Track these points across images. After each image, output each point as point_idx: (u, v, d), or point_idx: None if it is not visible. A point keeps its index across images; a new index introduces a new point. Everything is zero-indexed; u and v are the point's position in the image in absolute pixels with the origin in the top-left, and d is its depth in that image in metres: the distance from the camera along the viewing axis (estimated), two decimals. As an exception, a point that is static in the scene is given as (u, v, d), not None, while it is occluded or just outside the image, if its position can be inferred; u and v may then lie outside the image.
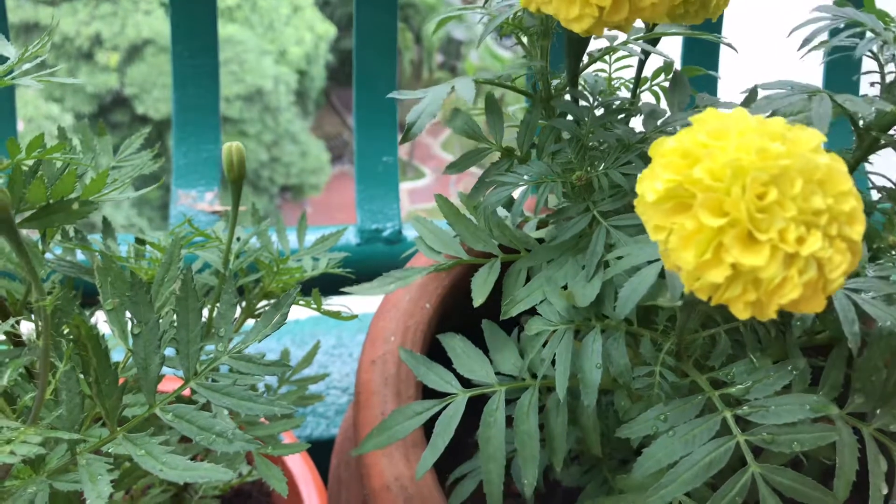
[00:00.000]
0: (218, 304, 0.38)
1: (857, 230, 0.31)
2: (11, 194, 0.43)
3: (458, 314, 0.59)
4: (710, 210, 0.30)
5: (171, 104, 0.87)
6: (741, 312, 0.31)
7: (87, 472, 0.33)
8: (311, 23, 10.86)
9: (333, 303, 0.64)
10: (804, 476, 0.38)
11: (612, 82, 0.65)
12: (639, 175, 0.36)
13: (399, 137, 0.79)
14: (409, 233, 0.91)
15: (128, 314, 0.41)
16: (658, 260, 0.40)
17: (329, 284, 0.65)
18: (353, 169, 0.95)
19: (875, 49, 0.50)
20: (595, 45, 0.56)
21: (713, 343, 0.44)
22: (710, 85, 1.03)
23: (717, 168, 0.30)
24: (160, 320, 0.36)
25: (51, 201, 0.44)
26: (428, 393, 0.53)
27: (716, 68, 1.02)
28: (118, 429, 0.35)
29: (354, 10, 0.88)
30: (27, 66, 0.46)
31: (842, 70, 0.87)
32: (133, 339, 0.36)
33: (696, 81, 0.96)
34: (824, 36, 0.52)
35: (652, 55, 0.58)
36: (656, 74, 0.63)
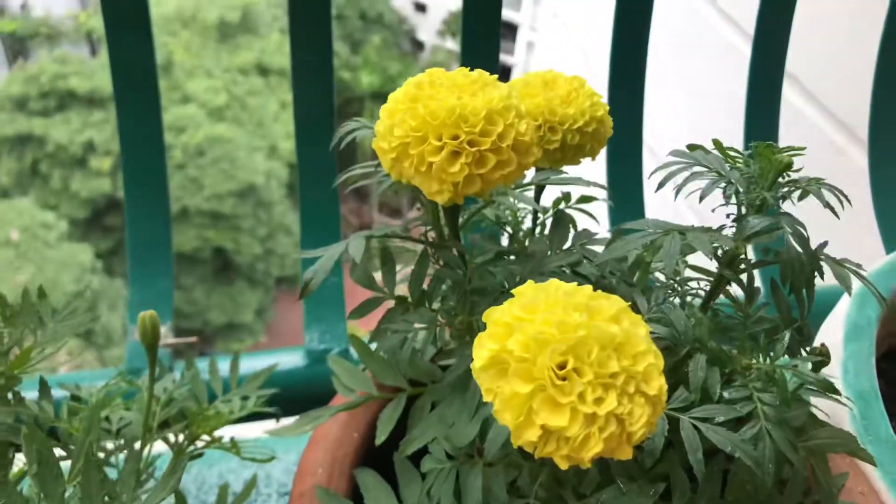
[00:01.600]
0: (121, 473, 0.42)
1: (654, 386, 0.35)
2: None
3: (385, 441, 0.63)
4: (521, 377, 0.35)
5: (126, 243, 0.93)
6: (562, 463, 0.36)
7: None
8: (300, 118, 11.15)
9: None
10: None
11: (517, 213, 0.71)
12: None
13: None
14: (357, 350, 0.95)
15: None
16: (523, 401, 0.45)
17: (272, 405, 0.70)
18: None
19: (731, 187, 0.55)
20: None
21: (584, 473, 0.48)
22: (636, 187, 1.10)
23: (526, 340, 0.35)
24: (66, 494, 0.40)
25: (-19, 377, 0.49)
26: (350, 525, 0.57)
27: (640, 166, 1.09)
28: None
29: (296, 148, 0.95)
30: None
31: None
32: (41, 513, 0.40)
33: (623, 180, 1.02)
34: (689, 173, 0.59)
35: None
36: (556, 203, 0.69)
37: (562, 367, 0.35)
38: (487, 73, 0.49)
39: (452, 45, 12.98)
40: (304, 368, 0.93)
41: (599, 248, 0.57)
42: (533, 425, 0.35)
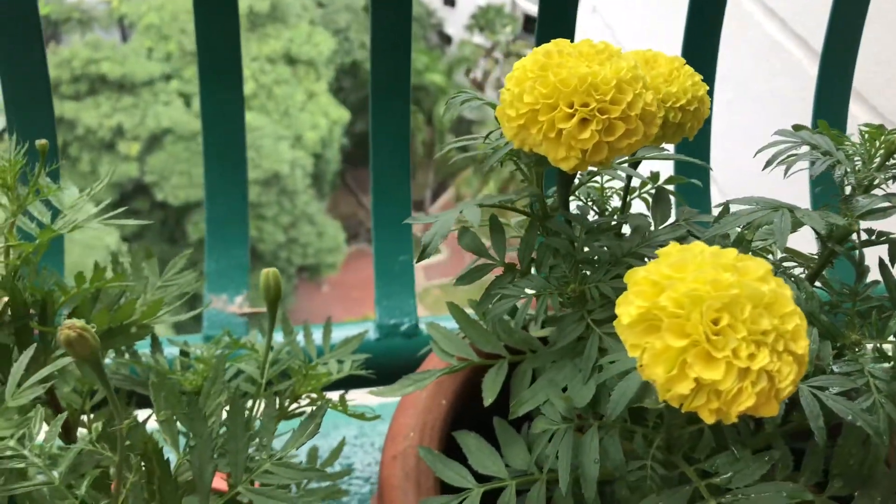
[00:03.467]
0: (260, 415, 0.44)
1: (801, 345, 0.36)
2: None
3: (471, 409, 0.64)
4: (675, 333, 0.36)
5: (204, 214, 0.95)
6: (708, 418, 0.37)
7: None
8: (326, 108, 11.22)
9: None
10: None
11: (605, 191, 0.72)
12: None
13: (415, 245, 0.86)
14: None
15: (179, 425, 0.47)
16: (643, 366, 0.46)
17: (352, 379, 0.71)
18: (369, 247, 1.01)
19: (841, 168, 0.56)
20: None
21: (700, 436, 0.49)
22: (703, 173, 1.11)
23: (679, 297, 0.36)
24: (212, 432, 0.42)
25: (112, 326, 0.50)
26: (445, 486, 0.58)
27: (707, 160, 1.10)
28: (176, 531, 0.40)
29: (370, 126, 0.96)
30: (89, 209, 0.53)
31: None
32: (189, 450, 0.41)
33: (689, 169, 1.03)
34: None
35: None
36: (644, 185, 0.70)
37: (715, 323, 0.36)
38: (612, 45, 0.50)
39: (480, 39, 12.96)
40: (374, 342, 0.95)
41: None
42: (686, 378, 0.36)
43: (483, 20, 12.84)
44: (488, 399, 0.54)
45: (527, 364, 0.57)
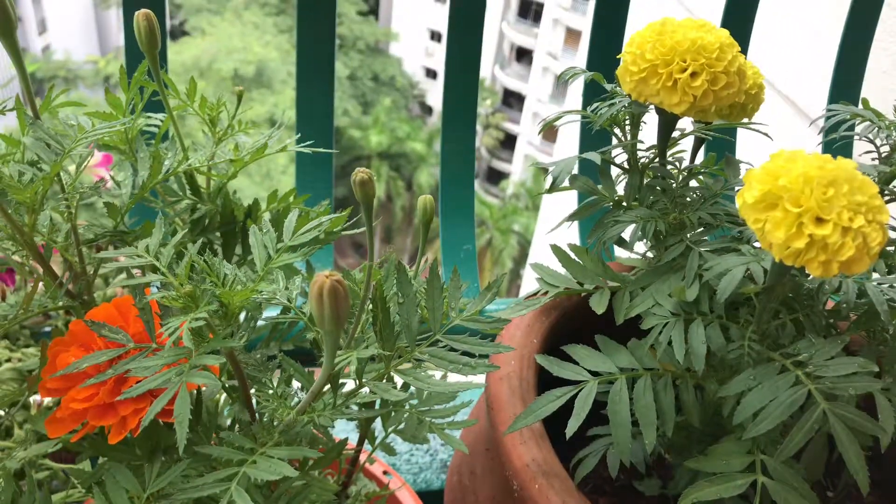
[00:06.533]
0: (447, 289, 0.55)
1: (885, 217, 0.49)
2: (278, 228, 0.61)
3: (557, 348, 0.75)
4: (792, 203, 0.48)
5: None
6: (815, 270, 0.48)
7: (380, 390, 0.48)
8: (308, 171, 11.37)
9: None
10: (860, 410, 0.54)
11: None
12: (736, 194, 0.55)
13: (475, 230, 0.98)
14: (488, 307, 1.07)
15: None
16: (741, 265, 0.58)
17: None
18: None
19: (871, 135, 0.70)
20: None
21: (782, 330, 0.60)
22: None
23: (793, 178, 0.49)
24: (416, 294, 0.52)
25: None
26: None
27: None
28: (391, 364, 0.51)
29: (442, 123, 1.10)
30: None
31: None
32: (399, 306, 0.52)
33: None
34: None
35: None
36: (705, 164, 0.83)
37: (823, 194, 0.48)
38: (708, 21, 0.63)
39: (461, 111, 13.31)
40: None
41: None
42: (802, 236, 0.48)
43: (464, 93, 13.21)
44: (599, 309, 0.66)
45: (623, 290, 0.69)
